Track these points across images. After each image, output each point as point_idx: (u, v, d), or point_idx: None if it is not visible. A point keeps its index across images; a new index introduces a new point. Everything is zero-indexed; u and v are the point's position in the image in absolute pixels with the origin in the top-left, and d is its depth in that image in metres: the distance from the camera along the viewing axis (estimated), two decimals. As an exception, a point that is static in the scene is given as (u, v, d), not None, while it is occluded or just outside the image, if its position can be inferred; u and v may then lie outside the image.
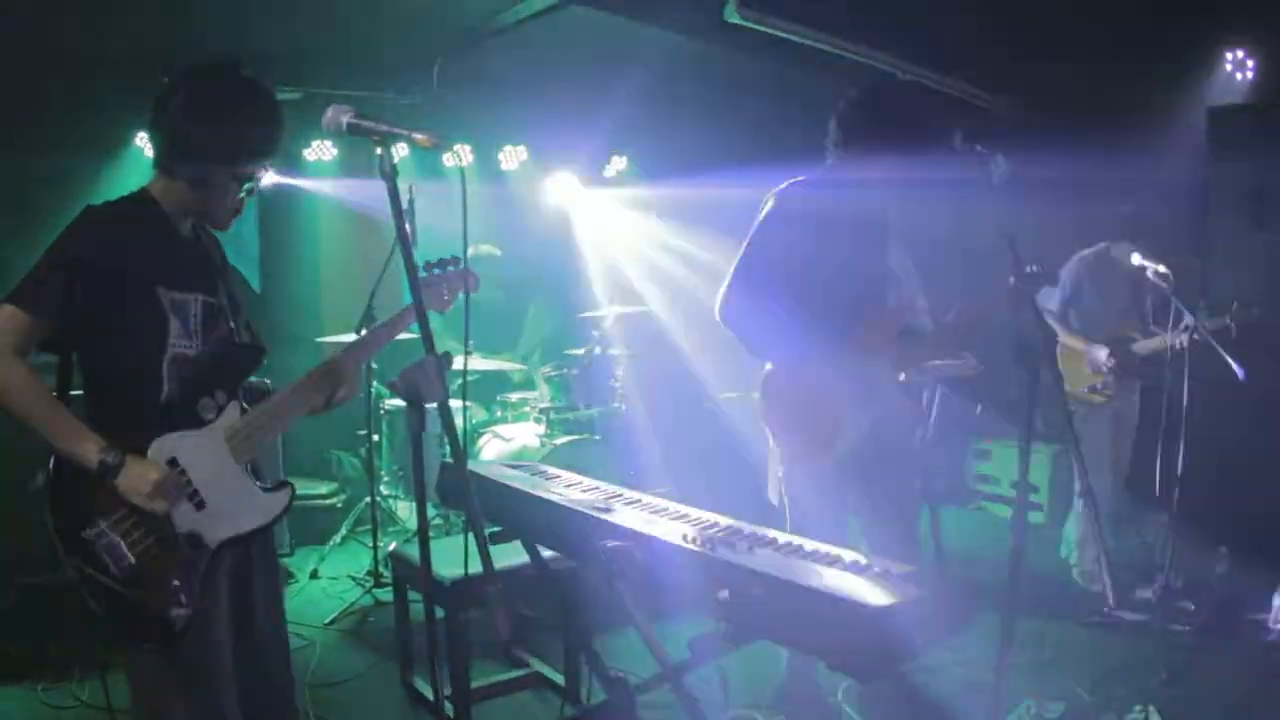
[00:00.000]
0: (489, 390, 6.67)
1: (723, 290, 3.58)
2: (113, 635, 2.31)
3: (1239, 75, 6.39)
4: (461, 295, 2.89)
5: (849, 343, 3.50)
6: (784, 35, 5.60)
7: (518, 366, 6.63)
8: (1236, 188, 6.32)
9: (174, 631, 2.30)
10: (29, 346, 2.26)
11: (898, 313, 3.62)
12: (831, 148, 3.61)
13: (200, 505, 2.36)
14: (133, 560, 2.26)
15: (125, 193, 2.49)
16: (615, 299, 6.37)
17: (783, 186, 3.60)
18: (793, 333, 3.47)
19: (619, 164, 8.35)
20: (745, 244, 3.60)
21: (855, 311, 3.53)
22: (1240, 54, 6.33)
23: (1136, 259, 5.26)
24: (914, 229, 3.81)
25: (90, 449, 2.22)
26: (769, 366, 3.67)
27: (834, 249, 3.49)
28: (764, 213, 3.60)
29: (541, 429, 5.90)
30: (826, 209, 3.49)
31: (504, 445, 5.90)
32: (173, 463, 2.32)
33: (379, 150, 2.02)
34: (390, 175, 1.97)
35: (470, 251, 5.54)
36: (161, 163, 2.46)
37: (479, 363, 6.24)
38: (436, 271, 2.95)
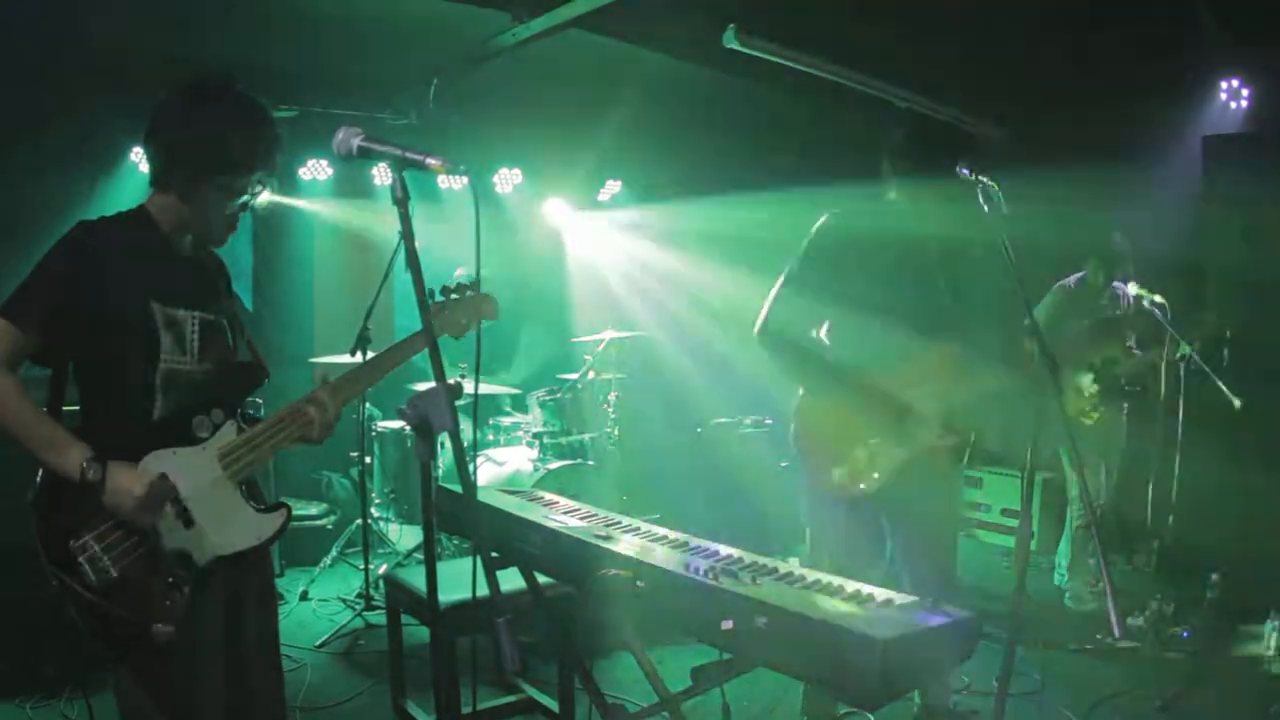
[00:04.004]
0: (482, 413, 6.65)
1: (764, 310, 3.39)
2: (95, 651, 2.26)
3: (1234, 104, 6.45)
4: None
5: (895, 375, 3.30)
6: (782, 62, 5.62)
7: (512, 390, 6.62)
8: (1230, 215, 6.36)
9: (155, 649, 2.25)
10: (17, 359, 2.25)
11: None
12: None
13: (189, 523, 2.32)
14: (115, 574, 2.22)
15: (122, 210, 2.47)
16: (609, 323, 6.36)
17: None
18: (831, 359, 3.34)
19: (613, 187, 8.38)
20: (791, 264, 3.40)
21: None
22: (1235, 83, 6.39)
23: (1133, 287, 5.29)
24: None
25: (73, 460, 2.19)
26: (801, 391, 3.52)
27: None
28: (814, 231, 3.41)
29: (534, 453, 5.88)
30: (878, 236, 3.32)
31: (496, 469, 5.88)
32: (162, 478, 2.28)
33: (375, 169, 2.00)
34: (403, 200, 1.95)
35: (459, 272, 5.57)
36: (156, 178, 2.45)
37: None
38: (454, 297, 2.80)
